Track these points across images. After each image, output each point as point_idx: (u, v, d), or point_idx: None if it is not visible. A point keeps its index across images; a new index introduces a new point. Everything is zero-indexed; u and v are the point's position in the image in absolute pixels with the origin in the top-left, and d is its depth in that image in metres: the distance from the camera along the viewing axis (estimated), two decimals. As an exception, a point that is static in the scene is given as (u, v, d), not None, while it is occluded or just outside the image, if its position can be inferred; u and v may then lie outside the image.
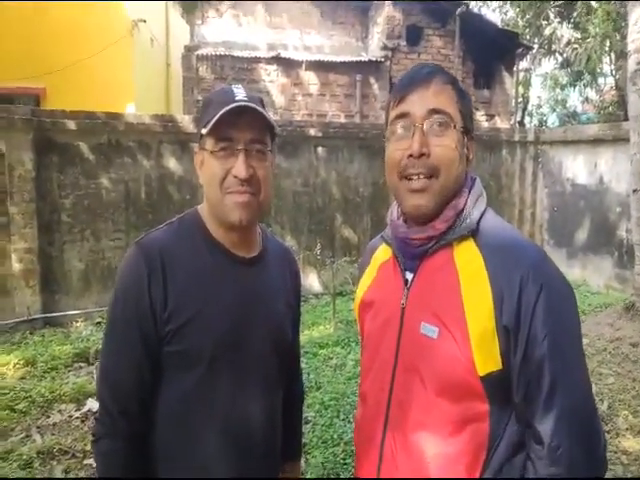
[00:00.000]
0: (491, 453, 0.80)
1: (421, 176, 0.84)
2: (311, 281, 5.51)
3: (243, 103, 0.91)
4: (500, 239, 0.84)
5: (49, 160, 4.58)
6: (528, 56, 10.17)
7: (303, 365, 3.70)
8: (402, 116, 0.87)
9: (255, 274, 1.02)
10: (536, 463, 0.77)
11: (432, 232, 0.86)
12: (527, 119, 12.47)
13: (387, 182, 0.92)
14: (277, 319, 1.05)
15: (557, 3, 9.86)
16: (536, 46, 10.52)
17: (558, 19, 10.02)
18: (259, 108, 0.93)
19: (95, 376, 3.57)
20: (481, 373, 0.78)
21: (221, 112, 0.89)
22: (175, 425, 0.95)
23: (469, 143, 0.90)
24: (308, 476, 2.48)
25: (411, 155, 0.84)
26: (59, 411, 3.01)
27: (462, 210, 0.87)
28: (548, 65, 11.50)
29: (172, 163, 5.04)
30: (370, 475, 0.90)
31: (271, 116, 0.96)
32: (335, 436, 2.81)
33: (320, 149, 5.65)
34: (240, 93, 0.94)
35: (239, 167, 0.92)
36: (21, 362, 3.52)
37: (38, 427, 2.85)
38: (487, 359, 0.78)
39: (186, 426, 0.94)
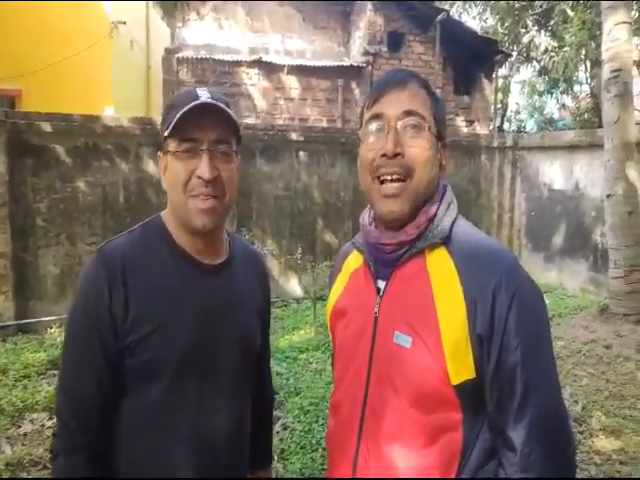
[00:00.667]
0: (464, 461, 0.80)
1: (394, 176, 0.84)
2: (292, 285, 5.51)
3: (206, 101, 0.90)
4: (472, 246, 0.84)
5: (23, 163, 4.50)
6: (507, 63, 10.40)
7: (283, 370, 3.70)
8: (376, 117, 0.87)
9: (222, 281, 1.00)
10: (508, 470, 0.78)
11: (404, 237, 0.86)
12: (506, 125, 12.75)
13: (361, 183, 0.91)
14: (245, 327, 1.03)
15: (535, 12, 10.12)
16: (515, 53, 10.77)
17: (536, 27, 10.27)
18: (223, 106, 0.91)
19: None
20: (454, 382, 0.78)
21: (183, 110, 0.88)
22: (139, 438, 0.92)
23: (442, 150, 0.90)
24: (286, 482, 2.48)
25: (385, 155, 0.84)
26: (31, 421, 2.95)
27: (434, 216, 0.87)
28: (526, 72, 11.79)
29: (151, 166, 5.00)
30: None
31: (236, 116, 0.95)
32: (314, 441, 2.82)
33: (302, 153, 5.68)
34: (204, 93, 0.92)
35: (203, 168, 0.89)
36: (-9, 371, 3.44)
37: (8, 437, 2.79)
38: (461, 368, 0.79)
39: (150, 439, 0.92)
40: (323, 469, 2.61)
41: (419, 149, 0.85)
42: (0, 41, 7.10)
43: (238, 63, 7.50)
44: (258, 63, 7.58)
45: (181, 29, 7.75)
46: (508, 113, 13.06)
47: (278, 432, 2.95)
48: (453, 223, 0.87)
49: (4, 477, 2.46)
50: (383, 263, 0.89)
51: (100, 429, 0.90)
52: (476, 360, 0.79)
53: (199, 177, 0.90)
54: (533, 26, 10.32)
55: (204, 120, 0.89)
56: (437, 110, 0.89)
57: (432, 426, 0.80)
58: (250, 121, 6.96)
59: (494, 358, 0.78)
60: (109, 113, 6.37)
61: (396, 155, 0.84)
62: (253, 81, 7.58)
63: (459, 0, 11.82)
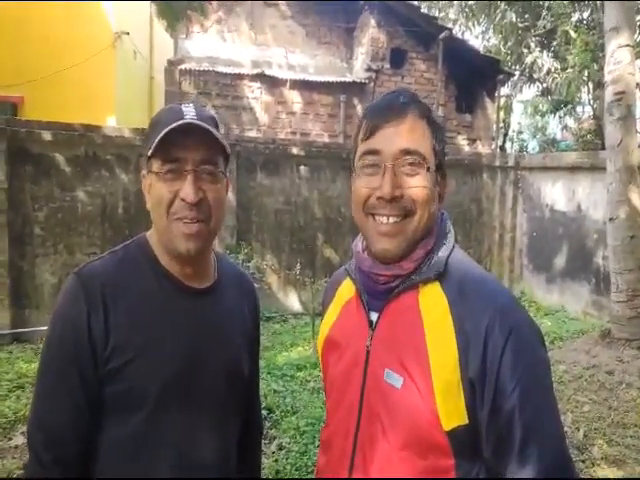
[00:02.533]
0: None
1: (391, 219, 0.82)
2: (291, 301, 5.55)
3: (190, 121, 0.87)
4: (467, 282, 0.82)
5: (23, 171, 4.57)
6: (509, 83, 10.63)
7: (280, 388, 3.71)
8: (372, 152, 0.83)
9: (209, 306, 0.97)
10: None
11: (399, 271, 0.84)
12: (508, 144, 12.96)
13: (354, 217, 0.89)
14: (232, 352, 1.00)
15: (538, 32, 10.39)
16: (517, 73, 11.01)
17: (539, 48, 10.54)
18: (208, 127, 0.88)
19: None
20: (446, 428, 0.76)
21: (165, 130, 0.85)
22: (117, 473, 0.88)
23: (441, 180, 0.88)
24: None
25: (381, 197, 0.81)
26: (22, 433, 2.95)
27: (431, 249, 0.85)
28: (529, 92, 12.05)
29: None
30: None
31: (222, 136, 0.92)
32: (310, 463, 2.82)
33: (303, 168, 5.77)
34: (189, 112, 0.89)
35: (187, 190, 0.86)
36: (-16, 381, 3.45)
37: (1, 450, 2.79)
38: (452, 413, 0.76)
39: (129, 474, 0.88)
40: (319, 491, 2.61)
41: (419, 189, 0.82)
42: (4, 48, 7.24)
43: (240, 76, 7.66)
44: (260, 77, 7.74)
45: (184, 41, 7.93)
46: (510, 133, 13.30)
47: (274, 452, 2.95)
48: (449, 256, 0.85)
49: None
50: (375, 295, 0.87)
51: (76, 463, 0.87)
52: (468, 406, 0.76)
53: (183, 200, 0.87)
54: (536, 47, 10.59)
55: (188, 140, 0.87)
56: (437, 140, 0.85)
57: (423, 470, 0.78)
58: (252, 134, 7.07)
59: (488, 403, 0.75)
60: (111, 123, 6.48)
61: (393, 198, 0.81)
62: (255, 94, 7.73)
63: (462, 18, 12.13)
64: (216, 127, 0.92)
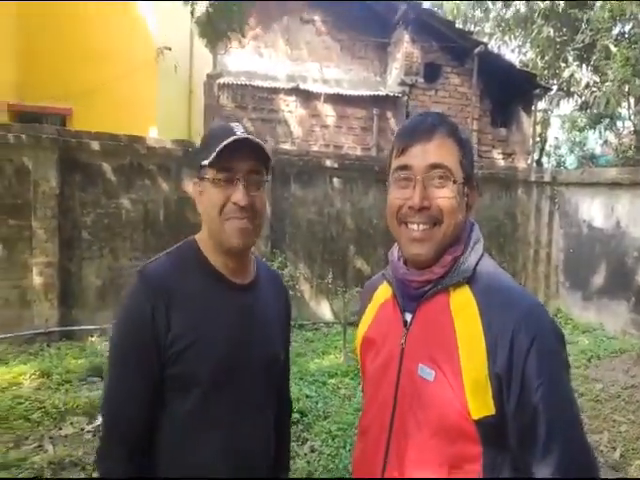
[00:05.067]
0: None
1: (421, 226, 0.93)
2: (322, 309, 5.69)
3: (242, 136, 1.03)
4: (495, 286, 0.91)
5: (72, 178, 4.93)
6: (546, 97, 10.60)
7: (312, 393, 3.84)
8: (403, 168, 0.95)
9: (251, 299, 1.13)
10: None
11: (430, 276, 0.94)
12: (545, 159, 12.83)
13: (389, 225, 1.00)
14: (271, 342, 1.16)
15: (576, 46, 10.36)
16: (555, 87, 10.97)
17: (577, 62, 10.49)
18: (257, 140, 1.05)
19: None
20: (474, 417, 0.84)
21: (223, 143, 1.01)
22: (175, 447, 1.03)
23: (469, 191, 0.97)
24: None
25: (411, 207, 0.93)
26: (71, 423, 3.19)
27: (460, 256, 0.94)
28: (567, 107, 11.93)
29: (191, 187, 5.35)
30: None
31: (267, 149, 1.09)
32: (340, 466, 2.92)
33: (335, 180, 5.96)
34: (239, 129, 1.05)
35: (238, 195, 1.03)
36: (37, 373, 3.74)
37: (51, 438, 3.03)
38: (480, 404, 0.84)
39: (185, 448, 1.03)
40: (349, 495, 2.71)
41: (445, 200, 0.92)
42: (54, 62, 7.79)
43: (276, 90, 7.97)
44: (295, 91, 8.03)
45: (223, 56, 8.33)
46: (547, 147, 13.17)
47: (306, 454, 3.07)
48: (478, 262, 0.94)
49: (46, 477, 2.68)
50: (410, 297, 0.97)
51: (140, 440, 1.03)
52: (495, 398, 0.84)
53: (234, 203, 1.04)
54: (574, 61, 10.54)
55: (240, 153, 1.03)
56: (465, 155, 0.95)
57: (452, 457, 0.86)
58: (286, 147, 7.34)
59: (514, 398, 0.83)
60: (153, 134, 6.86)
61: (423, 208, 0.92)
62: (290, 108, 8.02)
63: (498, 32, 12.20)
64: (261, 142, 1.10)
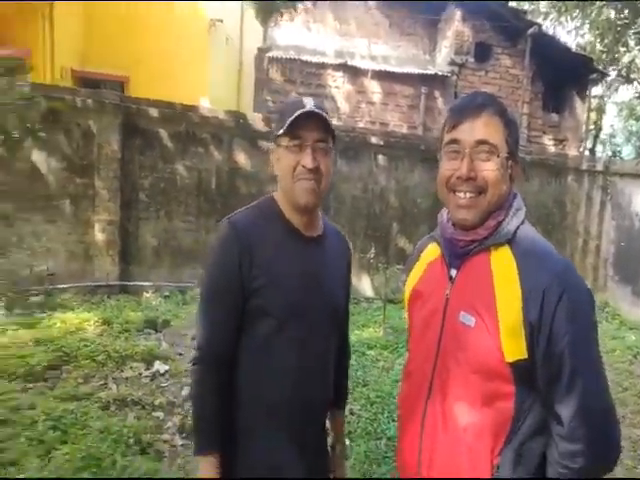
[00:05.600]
0: (515, 429, 0.98)
1: (467, 194, 1.05)
2: (364, 285, 5.82)
3: (311, 109, 1.20)
4: (532, 249, 1.03)
5: (132, 143, 5.18)
6: (603, 82, 10.17)
7: (352, 362, 3.98)
8: (454, 142, 1.07)
9: (319, 250, 1.31)
10: (558, 441, 0.96)
11: (475, 236, 1.07)
12: (599, 148, 12.32)
13: (438, 193, 1.15)
14: (335, 288, 1.34)
15: (638, 30, 9.82)
16: (613, 73, 10.50)
17: (639, 47, 9.97)
18: (324, 114, 1.21)
19: (162, 339, 4.05)
20: (508, 360, 0.96)
21: (294, 115, 1.18)
22: (253, 362, 1.23)
23: (513, 165, 1.09)
24: (352, 462, 2.70)
25: (459, 177, 1.05)
26: (131, 368, 3.48)
27: (502, 221, 1.06)
28: (625, 94, 11.40)
29: (242, 158, 5.53)
30: (413, 444, 1.10)
31: (332, 121, 1.26)
32: (379, 430, 3.06)
33: (380, 157, 6.01)
34: (309, 102, 1.22)
35: (307, 159, 1.20)
36: (99, 321, 4.07)
37: (114, 378, 3.33)
38: (514, 348, 0.96)
39: (263, 362, 1.23)
40: (386, 457, 2.85)
41: (489, 172, 1.04)
42: (114, 34, 8.08)
43: (324, 65, 7.99)
44: (343, 66, 8.03)
45: (273, 29, 8.38)
46: (602, 136, 12.65)
47: (346, 416, 3.23)
48: (518, 227, 1.05)
49: (110, 409, 2.95)
50: (455, 255, 1.11)
51: (228, 353, 1.23)
52: (528, 343, 0.96)
53: (303, 166, 1.21)
54: (635, 45, 10.02)
55: (309, 123, 1.20)
56: (510, 134, 1.07)
57: (488, 393, 0.99)
58: (333, 123, 7.38)
59: (543, 344, 0.95)
60: (204, 103, 7.05)
61: (469, 178, 1.05)
62: (337, 84, 8.05)
63: (554, 13, 11.69)
64: (327, 115, 1.26)
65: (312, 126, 1.21)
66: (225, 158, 5.47)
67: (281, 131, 1.21)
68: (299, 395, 1.25)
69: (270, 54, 7.80)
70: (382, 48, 8.79)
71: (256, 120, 5.63)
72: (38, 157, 4.78)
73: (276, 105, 7.58)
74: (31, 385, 3.08)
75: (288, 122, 1.18)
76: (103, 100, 5.02)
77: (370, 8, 8.77)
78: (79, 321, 4.02)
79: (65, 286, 4.70)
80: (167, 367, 3.54)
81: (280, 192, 1.30)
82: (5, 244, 4.48)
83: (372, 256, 5.15)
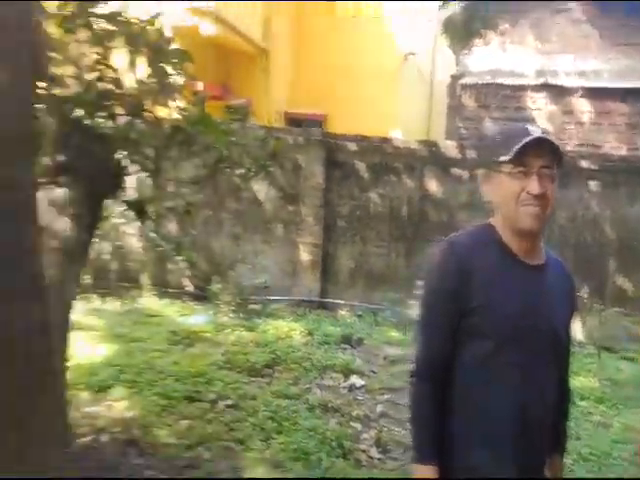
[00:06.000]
0: None
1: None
2: (573, 326, 5.18)
3: (541, 136, 1.21)
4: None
5: (333, 174, 5.75)
6: None
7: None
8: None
9: (540, 279, 1.28)
10: None
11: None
12: None
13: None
14: (556, 321, 1.28)
15: None
16: None
17: None
18: (554, 140, 1.22)
19: (356, 354, 4.34)
20: None
21: (524, 141, 1.19)
22: (469, 380, 1.23)
23: None
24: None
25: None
26: (330, 377, 3.81)
27: None
28: None
29: (433, 185, 5.63)
30: None
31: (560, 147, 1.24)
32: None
33: (592, 183, 5.37)
34: (535, 130, 1.23)
35: (534, 185, 1.19)
36: (305, 331, 4.58)
37: (317, 384, 3.68)
38: None
39: (479, 382, 1.22)
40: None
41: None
42: (313, 75, 9.19)
43: (523, 87, 7.59)
44: (545, 86, 7.49)
45: (465, 56, 8.34)
46: None
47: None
48: None
49: (315, 412, 3.25)
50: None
51: (442, 369, 1.25)
52: None
53: (529, 192, 1.20)
54: None
55: (537, 150, 1.20)
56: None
57: None
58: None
59: None
60: (396, 136, 7.42)
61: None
62: (538, 105, 7.53)
63: None
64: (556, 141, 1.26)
65: (539, 152, 1.21)
66: (417, 186, 5.63)
67: (507, 158, 1.22)
68: (520, 418, 1.21)
69: (463, 81, 7.78)
70: (592, 63, 7.89)
71: (448, 148, 5.66)
72: (258, 187, 5.69)
73: (471, 131, 7.49)
74: (253, 379, 3.61)
75: (515, 149, 1.20)
76: (310, 137, 5.73)
77: (576, 21, 8.01)
78: (288, 329, 4.57)
79: (276, 298, 5.40)
80: (363, 382, 3.76)
81: (499, 218, 1.30)
82: (234, 260, 5.46)
83: (586, 296, 4.59)
